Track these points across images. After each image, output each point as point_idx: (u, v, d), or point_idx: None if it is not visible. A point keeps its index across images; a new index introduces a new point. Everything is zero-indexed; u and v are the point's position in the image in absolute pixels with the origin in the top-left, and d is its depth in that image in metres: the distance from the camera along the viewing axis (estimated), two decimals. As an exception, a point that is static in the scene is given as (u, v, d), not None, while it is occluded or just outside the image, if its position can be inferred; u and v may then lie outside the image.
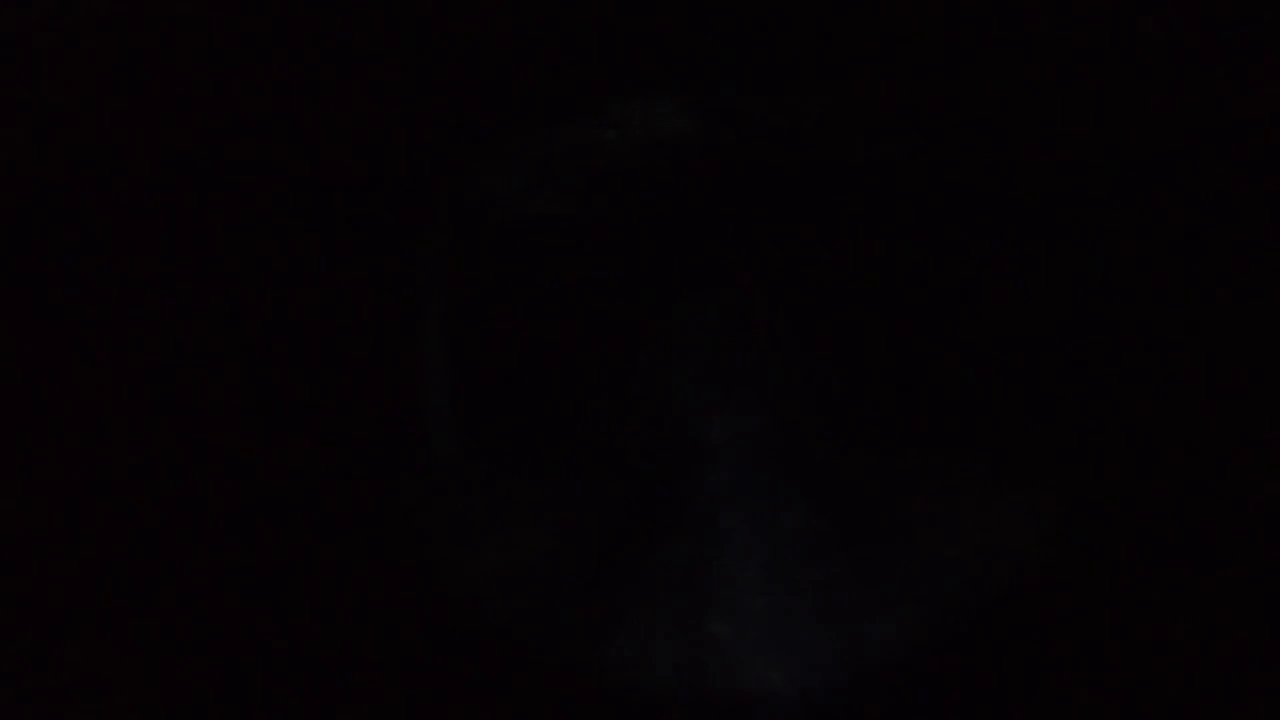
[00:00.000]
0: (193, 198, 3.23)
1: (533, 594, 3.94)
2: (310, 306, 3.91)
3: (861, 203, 6.04)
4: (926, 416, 5.69)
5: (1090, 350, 4.01)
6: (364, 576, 3.73)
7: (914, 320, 5.91)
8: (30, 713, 2.59)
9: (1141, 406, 3.51)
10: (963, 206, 5.23)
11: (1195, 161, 3.14)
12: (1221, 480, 3.06)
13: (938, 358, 5.68)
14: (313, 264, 3.89)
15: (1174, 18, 2.86)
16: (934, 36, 3.81)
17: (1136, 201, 3.48)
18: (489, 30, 3.57)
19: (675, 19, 3.95)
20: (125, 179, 2.99)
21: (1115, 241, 3.71)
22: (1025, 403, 4.68)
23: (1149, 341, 3.50)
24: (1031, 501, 4.28)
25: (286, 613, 3.31)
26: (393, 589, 3.73)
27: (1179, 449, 3.30)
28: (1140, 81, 3.17)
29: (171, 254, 3.20)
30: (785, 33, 4.18)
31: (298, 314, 3.85)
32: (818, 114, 5.78)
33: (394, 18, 3.26)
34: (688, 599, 4.00)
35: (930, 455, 5.49)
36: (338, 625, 3.37)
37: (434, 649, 3.29)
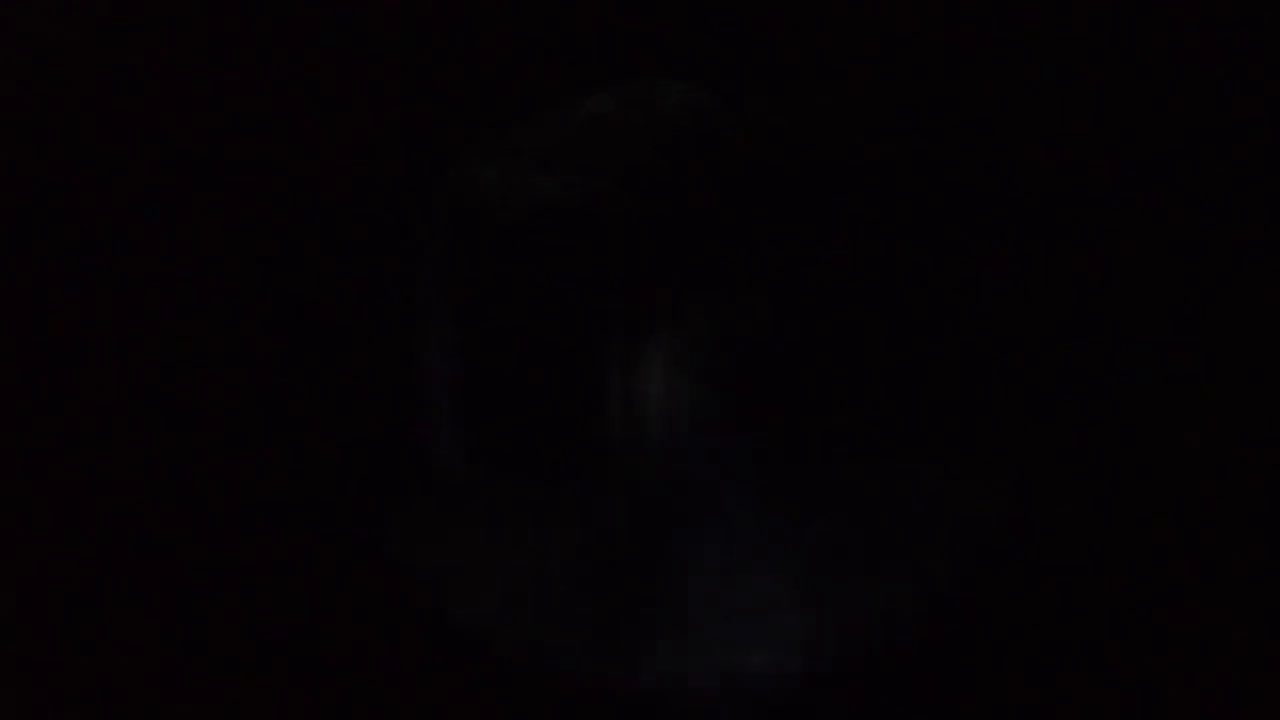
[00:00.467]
0: (187, 196, 3.23)
1: (517, 597, 3.95)
2: (306, 307, 3.90)
3: (861, 201, 6.05)
4: (901, 411, 5.71)
5: (1055, 348, 4.03)
6: (349, 581, 3.73)
7: (914, 316, 5.92)
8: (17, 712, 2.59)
9: (1095, 400, 3.54)
10: (956, 205, 5.23)
11: (1195, 161, 3.15)
12: (1170, 468, 3.10)
13: (917, 355, 5.69)
14: (308, 262, 3.89)
15: (1174, 18, 2.86)
16: (934, 36, 3.81)
17: (1128, 201, 3.49)
18: (497, 9, 3.56)
19: (681, 7, 3.96)
20: (112, 177, 2.99)
21: (1097, 241, 3.72)
22: (991, 397, 4.71)
23: (1109, 339, 3.52)
24: (991, 487, 4.34)
25: (280, 625, 3.31)
26: (378, 593, 3.73)
27: (1132, 437, 3.33)
28: (1140, 81, 3.17)
29: (166, 254, 3.20)
30: (787, 31, 4.18)
31: (293, 314, 3.85)
32: (818, 113, 5.79)
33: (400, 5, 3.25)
34: (674, 597, 4.02)
35: (903, 447, 5.52)
36: (331, 630, 3.37)
37: (421, 651, 3.30)
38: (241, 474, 3.45)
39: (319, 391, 3.97)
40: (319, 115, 3.62)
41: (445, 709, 2.83)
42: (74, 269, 2.96)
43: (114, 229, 3.06)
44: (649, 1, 3.97)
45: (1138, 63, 3.19)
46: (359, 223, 4.26)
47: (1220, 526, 2.95)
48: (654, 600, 4.03)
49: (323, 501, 3.84)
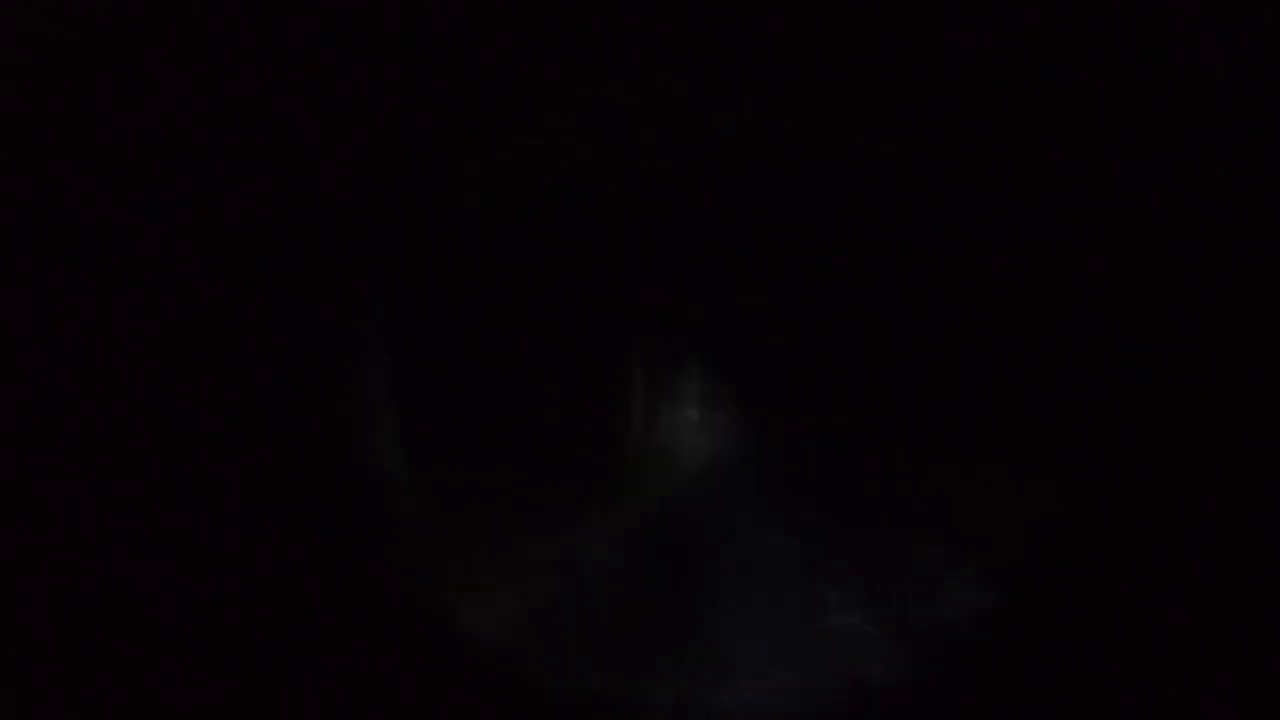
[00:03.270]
0: (187, 196, 3.22)
1: (526, 619, 3.87)
2: (306, 306, 3.90)
3: (861, 202, 6.04)
4: (928, 412, 5.67)
5: (1088, 344, 4.01)
6: (356, 590, 3.71)
7: (914, 316, 5.90)
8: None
9: (1138, 399, 3.53)
10: (963, 206, 5.22)
11: (1195, 161, 3.15)
12: (1219, 472, 3.08)
13: (938, 354, 5.66)
14: (308, 262, 3.88)
15: (1174, 18, 2.86)
16: (934, 36, 3.80)
17: (1136, 201, 3.49)
18: (495, 6, 3.55)
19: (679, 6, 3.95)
20: (112, 177, 2.98)
21: (1110, 239, 3.71)
22: (1024, 395, 4.67)
23: (1146, 336, 3.51)
24: (1035, 490, 4.26)
25: (283, 633, 3.29)
26: (387, 608, 3.70)
27: (1178, 439, 3.31)
28: (1140, 81, 3.17)
29: (166, 254, 3.20)
30: (787, 31, 4.17)
31: (293, 314, 3.85)
32: (818, 113, 5.78)
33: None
34: (685, 619, 3.95)
35: (934, 449, 5.46)
36: (339, 641, 3.35)
37: (423, 676, 3.27)
38: (241, 474, 3.44)
39: (316, 392, 3.96)
40: (318, 115, 3.61)
41: None
42: (74, 269, 2.96)
43: (114, 229, 3.05)
44: (648, 0, 3.96)
45: (1138, 63, 3.18)
46: (360, 224, 4.25)
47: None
48: (673, 620, 3.93)
49: (327, 505, 3.83)
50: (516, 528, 4.86)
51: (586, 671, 3.26)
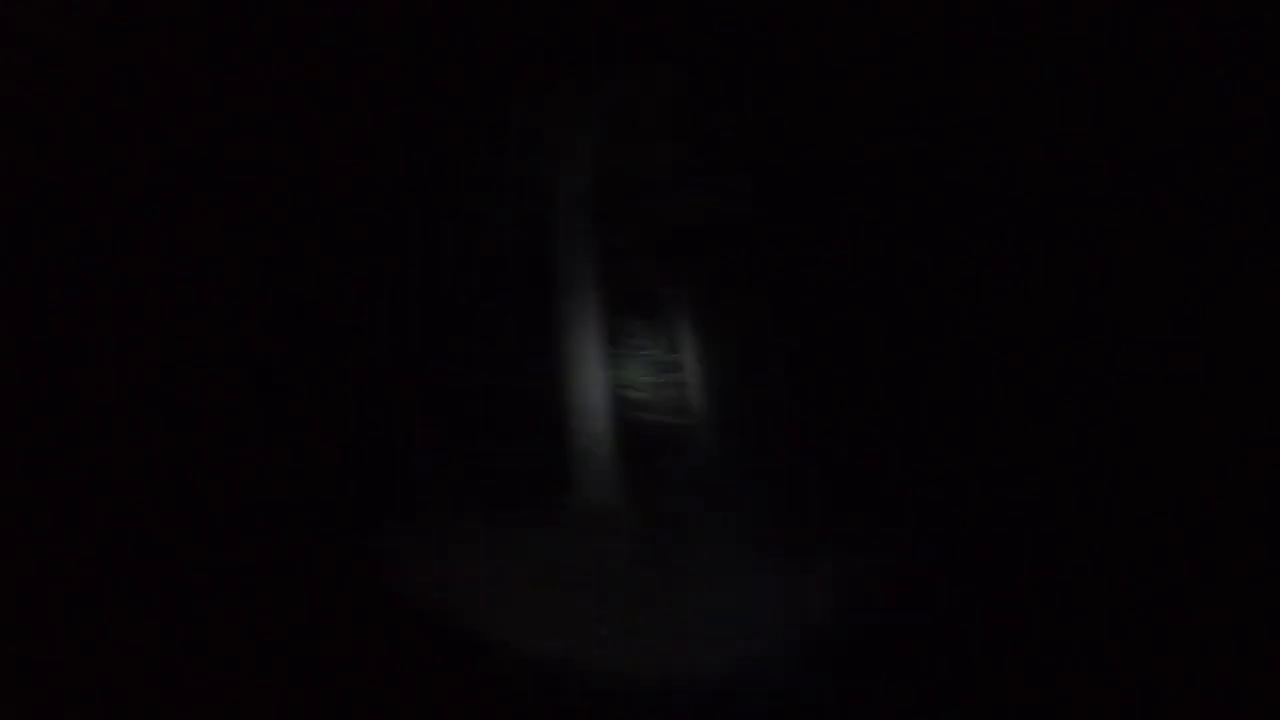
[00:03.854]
0: (187, 196, 3.22)
1: (505, 597, 3.95)
2: (307, 308, 3.90)
3: (861, 202, 6.04)
4: (923, 411, 5.70)
5: (1090, 346, 4.02)
6: (344, 583, 3.71)
7: (906, 317, 5.91)
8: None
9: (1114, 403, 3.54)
10: (959, 206, 5.23)
11: (1195, 161, 3.15)
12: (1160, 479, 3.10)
13: (935, 354, 5.67)
14: (309, 263, 3.88)
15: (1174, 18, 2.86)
16: (933, 36, 3.81)
17: (1139, 201, 3.49)
18: (498, 4, 3.56)
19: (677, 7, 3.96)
20: (112, 177, 2.98)
21: (1113, 239, 3.72)
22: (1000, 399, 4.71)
23: (1148, 339, 3.52)
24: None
25: (281, 632, 3.29)
26: (374, 598, 3.71)
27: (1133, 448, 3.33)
28: (1140, 81, 3.17)
29: (166, 254, 3.20)
30: (787, 30, 4.18)
31: (295, 316, 3.85)
32: (813, 112, 5.78)
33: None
34: (653, 596, 4.06)
35: (922, 447, 5.50)
36: (332, 635, 3.36)
37: (416, 654, 3.29)
38: (243, 478, 3.44)
39: (319, 396, 3.97)
40: (319, 114, 3.61)
41: (445, 711, 2.82)
42: (74, 269, 2.96)
43: (114, 229, 3.05)
44: (648, 0, 3.97)
45: (1138, 63, 3.18)
46: (360, 224, 4.25)
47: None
48: (643, 596, 4.05)
49: (323, 507, 3.83)
50: (490, 520, 4.92)
51: (565, 648, 3.37)
